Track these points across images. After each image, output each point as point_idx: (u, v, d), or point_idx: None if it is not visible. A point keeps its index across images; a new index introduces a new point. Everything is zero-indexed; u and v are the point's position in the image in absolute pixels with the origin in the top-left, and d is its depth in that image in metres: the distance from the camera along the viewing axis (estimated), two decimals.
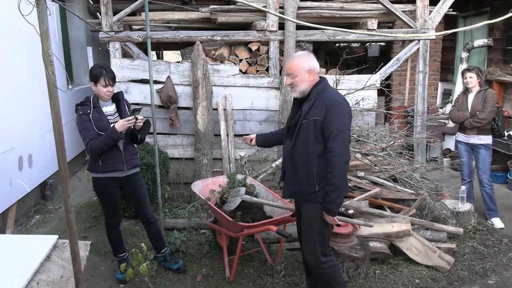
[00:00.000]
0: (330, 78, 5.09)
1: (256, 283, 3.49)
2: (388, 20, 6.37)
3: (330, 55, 7.88)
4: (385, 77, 5.70)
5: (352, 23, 6.00)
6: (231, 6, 5.40)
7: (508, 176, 5.80)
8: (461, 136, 4.69)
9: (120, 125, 3.09)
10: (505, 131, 5.06)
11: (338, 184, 2.60)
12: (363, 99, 5.32)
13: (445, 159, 6.75)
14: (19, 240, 2.96)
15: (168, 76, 5.25)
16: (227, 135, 5.36)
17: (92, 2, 6.99)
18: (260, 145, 3.28)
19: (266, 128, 5.40)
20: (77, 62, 7.27)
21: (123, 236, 3.67)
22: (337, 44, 8.50)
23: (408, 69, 6.03)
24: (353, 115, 4.61)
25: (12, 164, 4.44)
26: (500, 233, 4.41)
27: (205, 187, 3.89)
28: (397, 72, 7.09)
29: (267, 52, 5.48)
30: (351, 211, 3.89)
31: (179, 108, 5.34)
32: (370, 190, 4.41)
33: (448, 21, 7.46)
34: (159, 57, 10.63)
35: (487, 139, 4.53)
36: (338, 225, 3.52)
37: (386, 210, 4.30)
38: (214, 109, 5.35)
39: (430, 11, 5.63)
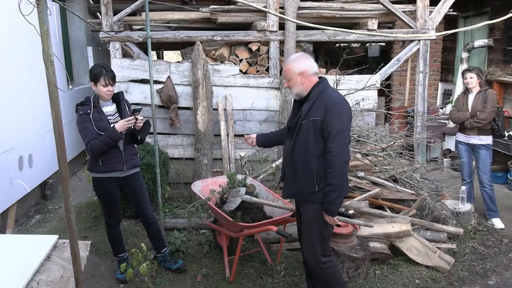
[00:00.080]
0: (331, 78, 5.09)
1: (256, 283, 3.49)
2: (388, 21, 6.37)
3: (330, 55, 7.88)
4: (385, 77, 5.70)
5: (352, 23, 6.00)
6: (231, 6, 5.40)
7: (508, 176, 5.80)
8: (461, 137, 4.69)
9: (120, 125, 3.10)
10: (505, 132, 5.07)
11: (337, 185, 2.60)
12: (363, 99, 5.32)
13: (445, 160, 6.75)
14: (19, 240, 2.96)
15: (168, 76, 5.25)
16: (227, 135, 5.36)
17: (92, 2, 6.99)
18: (260, 145, 3.28)
19: (266, 128, 5.40)
20: (77, 62, 7.27)
21: (123, 236, 3.67)
22: (337, 44, 8.50)
23: (409, 70, 6.03)
24: (353, 115, 4.62)
25: (12, 164, 4.45)
26: (500, 233, 4.41)
27: (205, 187, 3.89)
28: (397, 73, 7.09)
29: (267, 52, 5.48)
30: (351, 211, 3.89)
31: (179, 108, 5.34)
32: (370, 191, 4.41)
33: (448, 22, 7.46)
34: (159, 57, 10.64)
35: (488, 140, 4.53)
36: (338, 226, 3.52)
37: (386, 211, 4.30)
38: (214, 109, 5.35)
39: (431, 12, 5.63)
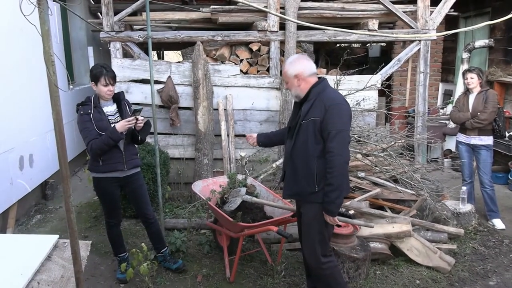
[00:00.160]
0: (331, 79, 5.09)
1: (256, 284, 3.49)
2: (389, 21, 6.36)
3: (330, 55, 7.88)
4: (386, 77, 5.70)
5: (353, 24, 6.00)
6: (232, 6, 5.40)
7: (509, 177, 5.79)
8: (462, 137, 4.69)
9: (121, 125, 3.10)
10: (506, 132, 5.07)
11: (337, 185, 2.60)
12: (363, 99, 5.32)
13: (445, 160, 6.74)
14: (19, 239, 2.96)
15: (169, 76, 5.25)
16: (228, 135, 5.36)
17: (93, 2, 6.99)
18: (261, 145, 3.29)
19: (266, 129, 5.40)
20: (78, 62, 7.28)
21: (123, 236, 3.68)
22: (338, 45, 8.51)
23: (409, 70, 6.03)
24: (354, 115, 4.62)
25: (13, 163, 4.45)
26: (501, 234, 4.40)
27: (206, 187, 3.89)
28: (398, 73, 7.09)
29: (268, 52, 5.48)
30: (351, 212, 3.89)
31: (179, 108, 5.34)
32: (371, 191, 4.41)
33: (449, 22, 7.46)
34: (160, 57, 10.63)
35: (488, 140, 4.52)
36: (339, 226, 3.51)
37: (386, 211, 4.30)
38: (214, 109, 5.35)
39: (431, 12, 5.63)
